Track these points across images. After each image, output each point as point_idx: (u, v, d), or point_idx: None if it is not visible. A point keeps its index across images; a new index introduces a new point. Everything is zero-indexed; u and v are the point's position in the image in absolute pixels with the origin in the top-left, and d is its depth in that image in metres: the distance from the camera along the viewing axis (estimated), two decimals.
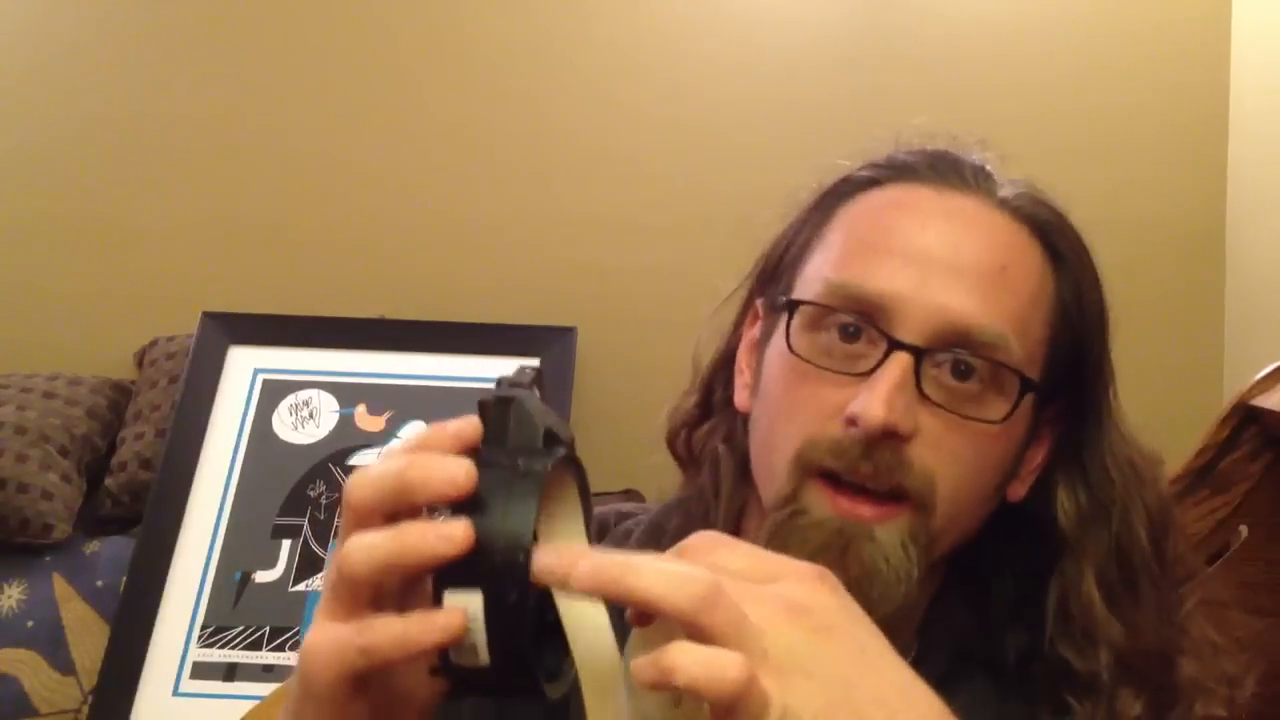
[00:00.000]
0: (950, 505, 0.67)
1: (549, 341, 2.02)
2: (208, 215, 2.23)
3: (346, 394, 2.00)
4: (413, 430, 1.97)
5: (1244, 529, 1.25)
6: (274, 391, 2.01)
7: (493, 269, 2.17)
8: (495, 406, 0.49)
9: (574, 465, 0.51)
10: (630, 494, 1.80)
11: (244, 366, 2.03)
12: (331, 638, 0.48)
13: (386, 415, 1.98)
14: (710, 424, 0.80)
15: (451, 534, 0.46)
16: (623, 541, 0.78)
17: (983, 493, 0.70)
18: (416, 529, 0.47)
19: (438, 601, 0.47)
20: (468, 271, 2.17)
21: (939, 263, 0.68)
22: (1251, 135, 2.02)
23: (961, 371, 0.67)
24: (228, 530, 1.89)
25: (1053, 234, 0.73)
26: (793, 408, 0.69)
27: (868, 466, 0.65)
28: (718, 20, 2.19)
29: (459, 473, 0.47)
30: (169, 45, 2.27)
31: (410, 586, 0.50)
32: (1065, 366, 0.72)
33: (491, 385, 0.51)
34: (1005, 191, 0.73)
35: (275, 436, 1.97)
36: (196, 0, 2.29)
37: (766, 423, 0.72)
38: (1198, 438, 1.29)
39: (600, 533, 0.80)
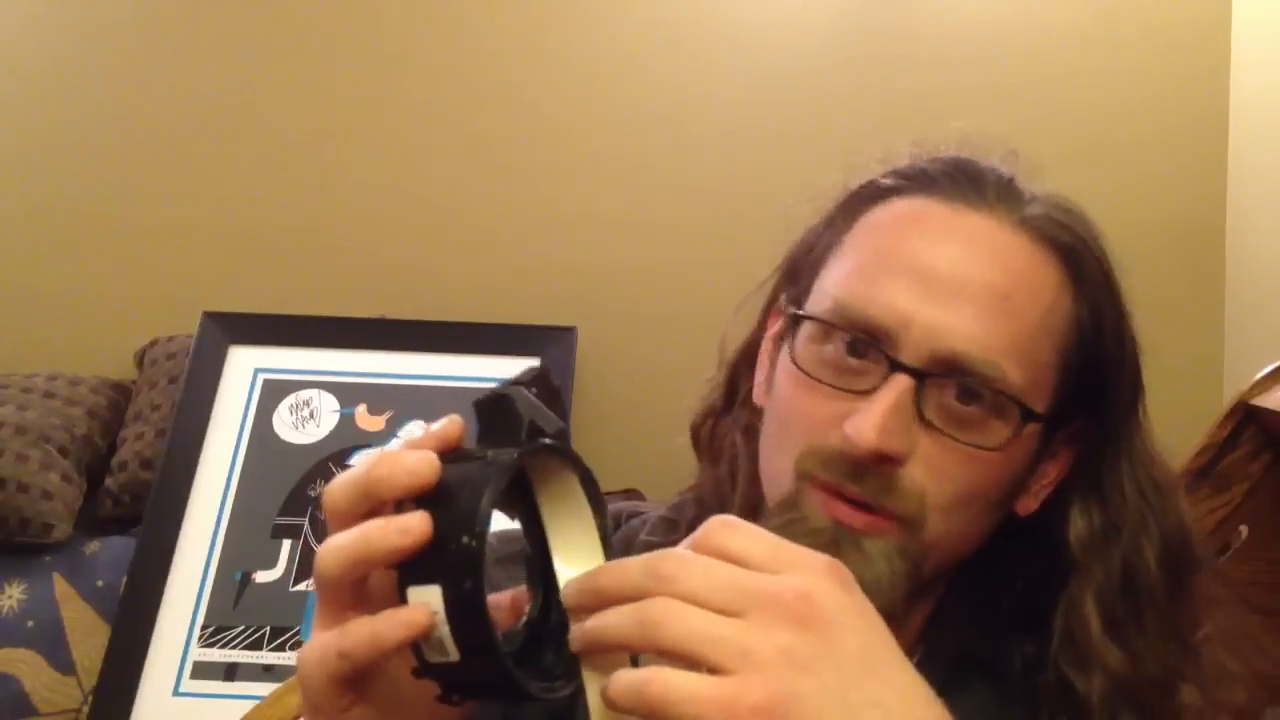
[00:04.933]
0: (941, 524, 0.67)
1: (549, 341, 2.02)
2: (208, 215, 2.23)
3: (346, 394, 2.00)
4: (411, 430, 1.98)
5: (1244, 528, 1.25)
6: (274, 391, 2.01)
7: (493, 269, 2.17)
8: (486, 404, 0.50)
9: (571, 460, 0.51)
10: (630, 494, 1.80)
11: (244, 366, 2.03)
12: (318, 645, 0.49)
13: (386, 415, 1.98)
14: (733, 415, 0.79)
15: (408, 526, 0.47)
16: (634, 537, 0.78)
17: (979, 512, 0.70)
18: (377, 525, 0.47)
19: (403, 599, 0.47)
20: (468, 271, 2.17)
21: (943, 286, 0.67)
22: (1251, 135, 2.02)
23: (965, 396, 0.66)
24: (228, 530, 1.89)
25: (1073, 256, 0.71)
26: (796, 416, 0.69)
27: (855, 489, 0.66)
28: (718, 21, 2.19)
29: (419, 464, 0.48)
30: (169, 45, 2.27)
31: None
32: (1083, 388, 0.71)
33: (493, 385, 0.51)
34: (1029, 210, 0.71)
35: (275, 436, 1.97)
36: (196, 1, 2.29)
37: (772, 426, 0.72)
38: (1198, 438, 1.29)
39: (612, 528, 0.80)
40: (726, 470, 0.77)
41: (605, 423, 2.04)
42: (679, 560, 0.48)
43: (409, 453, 0.48)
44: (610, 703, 0.46)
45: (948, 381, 0.66)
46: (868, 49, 2.15)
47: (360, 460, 0.51)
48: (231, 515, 1.90)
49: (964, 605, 0.75)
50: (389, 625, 0.47)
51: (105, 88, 2.27)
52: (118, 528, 1.97)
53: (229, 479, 1.93)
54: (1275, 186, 1.92)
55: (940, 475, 0.66)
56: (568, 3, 2.23)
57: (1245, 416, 1.26)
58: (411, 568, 0.47)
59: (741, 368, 0.80)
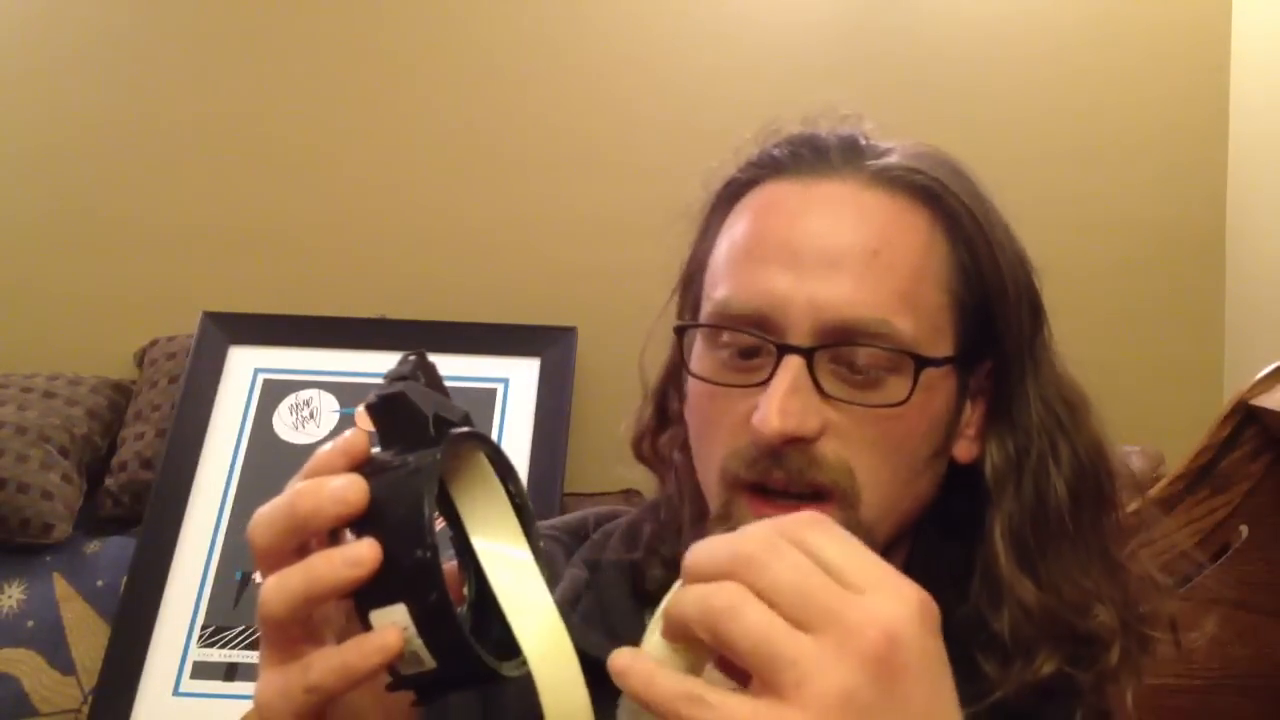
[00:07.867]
0: (876, 493, 0.66)
1: (549, 341, 2.02)
2: (208, 215, 2.23)
3: (346, 394, 2.00)
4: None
5: (1244, 528, 1.25)
6: (274, 391, 2.01)
7: (493, 269, 2.17)
8: (380, 406, 0.49)
9: (477, 439, 0.51)
10: (630, 494, 1.80)
11: (244, 366, 2.03)
12: (278, 684, 0.48)
13: None
14: (670, 432, 0.80)
15: (358, 557, 0.46)
16: (601, 546, 0.78)
17: (912, 471, 0.69)
18: (323, 560, 0.46)
19: (364, 622, 0.47)
20: (468, 271, 2.17)
21: (810, 260, 0.67)
22: (1251, 136, 2.02)
23: (853, 363, 0.66)
24: (228, 530, 1.89)
25: (933, 197, 0.71)
26: (710, 426, 0.70)
27: (780, 473, 0.65)
28: (718, 22, 2.19)
29: (349, 492, 0.46)
30: (169, 47, 2.28)
31: (349, 609, 0.50)
32: (982, 324, 0.71)
33: (383, 383, 0.50)
34: (878, 163, 0.71)
35: (275, 436, 1.97)
36: (196, 2, 2.29)
37: (694, 442, 0.73)
38: (1198, 438, 1.29)
39: (579, 538, 0.80)
40: (674, 485, 0.78)
41: (605, 423, 2.03)
42: (767, 545, 0.45)
43: (332, 481, 0.47)
44: (644, 704, 0.44)
45: (836, 351, 0.66)
46: (868, 49, 2.15)
47: (283, 494, 0.49)
48: (231, 515, 1.90)
49: (927, 570, 0.73)
50: (361, 654, 0.46)
51: (106, 89, 2.27)
52: (118, 528, 1.97)
53: (229, 479, 1.93)
54: (1275, 186, 1.92)
55: (859, 444, 0.66)
56: (567, 4, 2.23)
57: (1245, 417, 1.26)
58: (370, 592, 0.46)
59: (669, 386, 0.80)
